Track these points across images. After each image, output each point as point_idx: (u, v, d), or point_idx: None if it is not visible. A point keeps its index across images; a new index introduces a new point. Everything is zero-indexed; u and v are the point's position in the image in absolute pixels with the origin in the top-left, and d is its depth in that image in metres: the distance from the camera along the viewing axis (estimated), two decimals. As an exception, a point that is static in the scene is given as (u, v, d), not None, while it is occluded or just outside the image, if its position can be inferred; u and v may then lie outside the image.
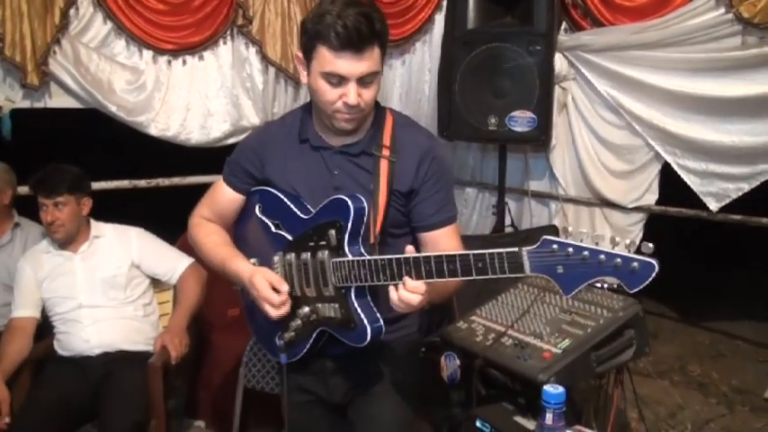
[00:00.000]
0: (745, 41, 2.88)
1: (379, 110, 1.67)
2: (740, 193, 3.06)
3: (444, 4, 3.48)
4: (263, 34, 3.24)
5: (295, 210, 1.64)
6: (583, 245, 1.24)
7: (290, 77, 3.33)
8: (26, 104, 2.97)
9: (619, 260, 1.21)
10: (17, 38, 2.82)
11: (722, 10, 2.87)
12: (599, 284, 2.00)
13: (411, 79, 3.74)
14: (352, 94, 1.51)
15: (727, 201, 3.11)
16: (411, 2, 3.52)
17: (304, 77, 1.59)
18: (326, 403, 1.78)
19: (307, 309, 1.61)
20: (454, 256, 1.38)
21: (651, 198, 3.37)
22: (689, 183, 3.18)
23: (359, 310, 1.52)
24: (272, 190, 1.70)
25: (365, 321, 1.51)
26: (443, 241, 1.63)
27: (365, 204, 1.54)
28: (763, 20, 2.78)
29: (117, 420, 2.29)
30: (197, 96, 3.27)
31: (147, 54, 3.13)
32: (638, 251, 1.21)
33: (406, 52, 3.69)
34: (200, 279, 2.67)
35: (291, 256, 1.63)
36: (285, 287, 1.59)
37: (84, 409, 2.40)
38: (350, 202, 1.52)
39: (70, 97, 3.05)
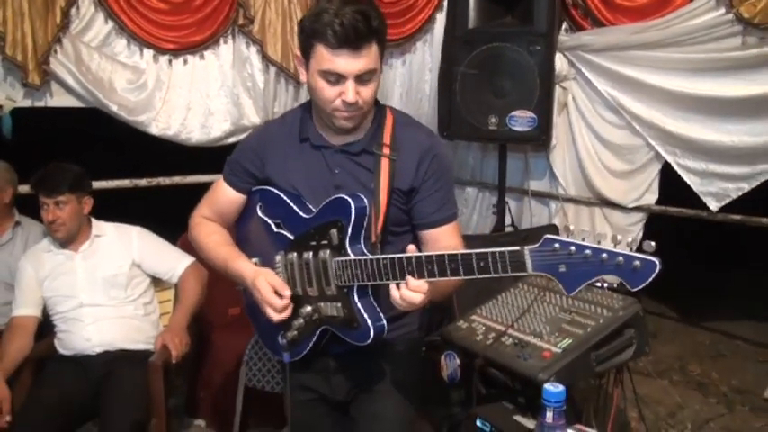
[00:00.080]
0: (745, 42, 2.89)
1: (379, 108, 1.67)
2: (740, 193, 3.07)
3: (445, 3, 3.49)
4: (264, 34, 3.24)
5: (296, 209, 1.64)
6: (585, 243, 1.24)
7: (290, 77, 3.33)
8: (27, 103, 2.98)
9: (621, 258, 1.20)
10: (18, 37, 2.82)
11: (722, 10, 2.87)
12: (599, 284, 2.00)
13: (411, 79, 3.74)
14: (350, 92, 1.51)
15: (727, 201, 3.12)
16: (412, 2, 3.52)
17: (303, 76, 1.59)
18: (329, 401, 1.78)
19: (309, 308, 1.61)
20: (456, 255, 1.38)
21: (651, 198, 3.38)
22: (689, 183, 3.18)
23: (361, 309, 1.52)
24: (273, 189, 1.69)
25: (368, 320, 1.51)
26: (444, 239, 1.64)
27: (366, 203, 1.53)
28: (764, 20, 2.79)
29: (118, 419, 2.30)
30: (198, 96, 3.27)
31: (148, 53, 3.14)
32: (640, 250, 1.20)
33: (407, 52, 3.70)
34: (200, 278, 2.67)
35: (293, 256, 1.63)
36: (288, 291, 1.59)
37: (84, 407, 2.40)
38: (351, 202, 1.51)
39: (71, 96, 3.05)
